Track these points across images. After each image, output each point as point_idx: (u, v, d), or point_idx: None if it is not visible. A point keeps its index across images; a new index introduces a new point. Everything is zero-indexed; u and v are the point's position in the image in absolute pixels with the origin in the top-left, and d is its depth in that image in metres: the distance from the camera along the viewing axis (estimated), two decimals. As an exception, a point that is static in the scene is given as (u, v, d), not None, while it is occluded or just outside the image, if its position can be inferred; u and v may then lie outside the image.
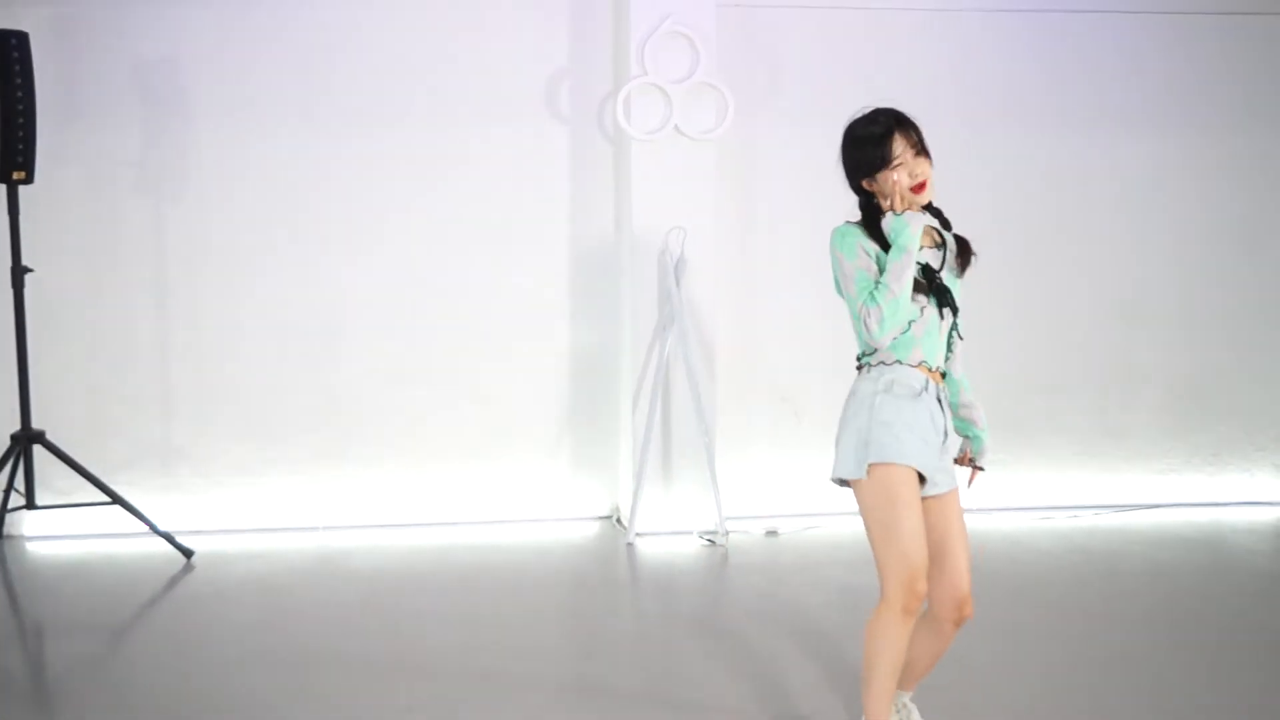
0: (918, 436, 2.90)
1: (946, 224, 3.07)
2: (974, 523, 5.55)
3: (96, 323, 5.23)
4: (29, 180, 4.74)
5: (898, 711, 3.19)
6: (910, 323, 2.90)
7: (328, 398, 5.37)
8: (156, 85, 5.15)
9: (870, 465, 2.89)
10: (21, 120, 4.65)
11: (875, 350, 2.93)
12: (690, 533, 5.24)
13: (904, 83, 5.46)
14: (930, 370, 2.94)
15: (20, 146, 4.67)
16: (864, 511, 2.97)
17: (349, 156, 5.27)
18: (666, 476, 5.28)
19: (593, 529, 5.46)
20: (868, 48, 5.44)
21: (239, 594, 4.53)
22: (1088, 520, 5.56)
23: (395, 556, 5.02)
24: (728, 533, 5.19)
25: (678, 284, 5.11)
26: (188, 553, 4.95)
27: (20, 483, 4.90)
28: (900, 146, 2.95)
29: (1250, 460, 5.85)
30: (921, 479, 2.92)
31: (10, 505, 4.94)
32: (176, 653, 3.95)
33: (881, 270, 2.87)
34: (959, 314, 2.98)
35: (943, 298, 2.93)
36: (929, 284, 2.93)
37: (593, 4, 5.31)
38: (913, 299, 2.88)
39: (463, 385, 5.43)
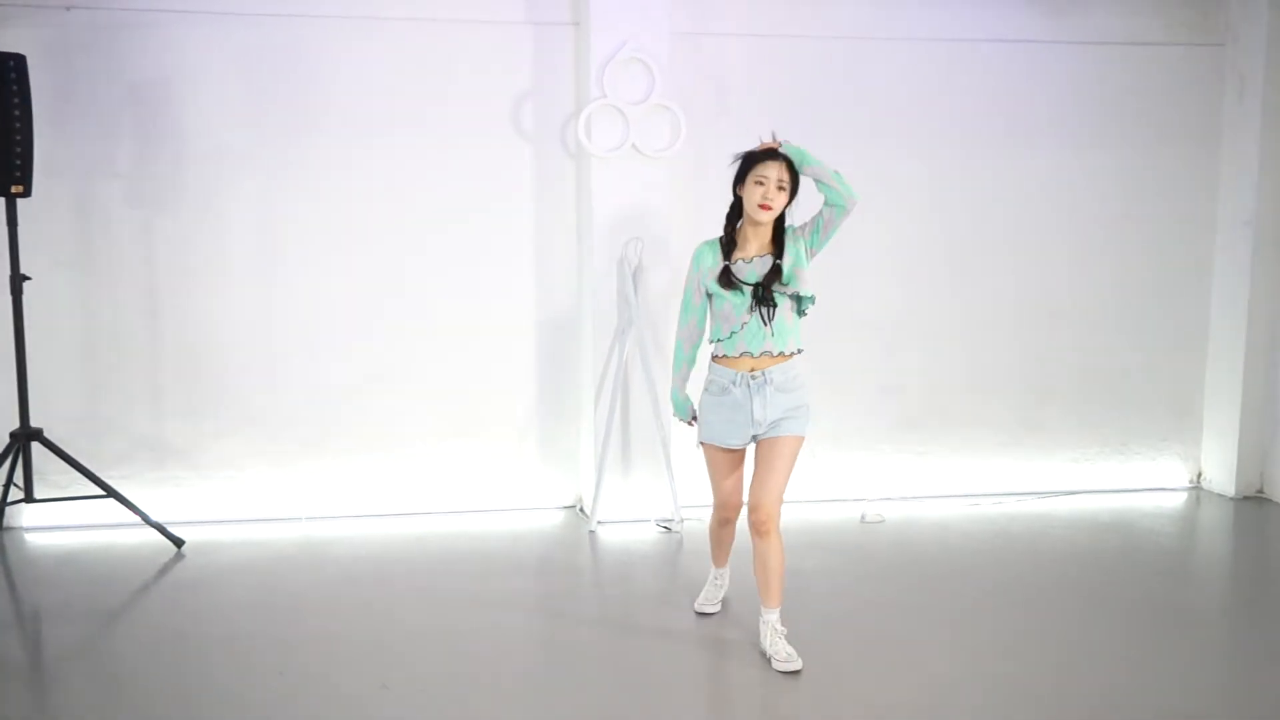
0: (725, 423, 3.66)
1: (781, 251, 3.60)
2: (908, 509, 5.67)
3: (91, 327, 5.17)
4: (27, 194, 4.67)
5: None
6: (733, 333, 3.60)
7: (309, 396, 5.34)
8: (145, 103, 5.09)
9: (699, 441, 3.77)
10: (19, 138, 4.58)
11: (715, 341, 3.68)
12: (648, 520, 5.26)
13: (839, 104, 5.54)
14: (755, 358, 3.59)
15: (18, 162, 4.60)
16: None
17: (327, 171, 5.23)
18: (626, 468, 5.30)
19: (558, 517, 5.46)
20: (806, 72, 5.48)
21: (227, 580, 4.49)
22: (1010, 506, 5.64)
23: (374, 544, 5.00)
24: (683, 520, 5.21)
25: (635, 290, 5.13)
26: (178, 542, 4.90)
27: (19, 477, 4.84)
28: (773, 173, 3.51)
29: (1156, 449, 5.96)
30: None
31: (10, 499, 4.88)
32: (168, 635, 3.93)
33: (708, 294, 3.66)
34: (796, 309, 3.61)
35: (766, 305, 3.56)
36: (757, 298, 3.56)
37: (556, 31, 5.31)
38: (743, 313, 3.57)
39: (436, 385, 5.41)
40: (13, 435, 4.79)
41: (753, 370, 3.59)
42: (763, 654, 3.66)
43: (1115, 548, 4.97)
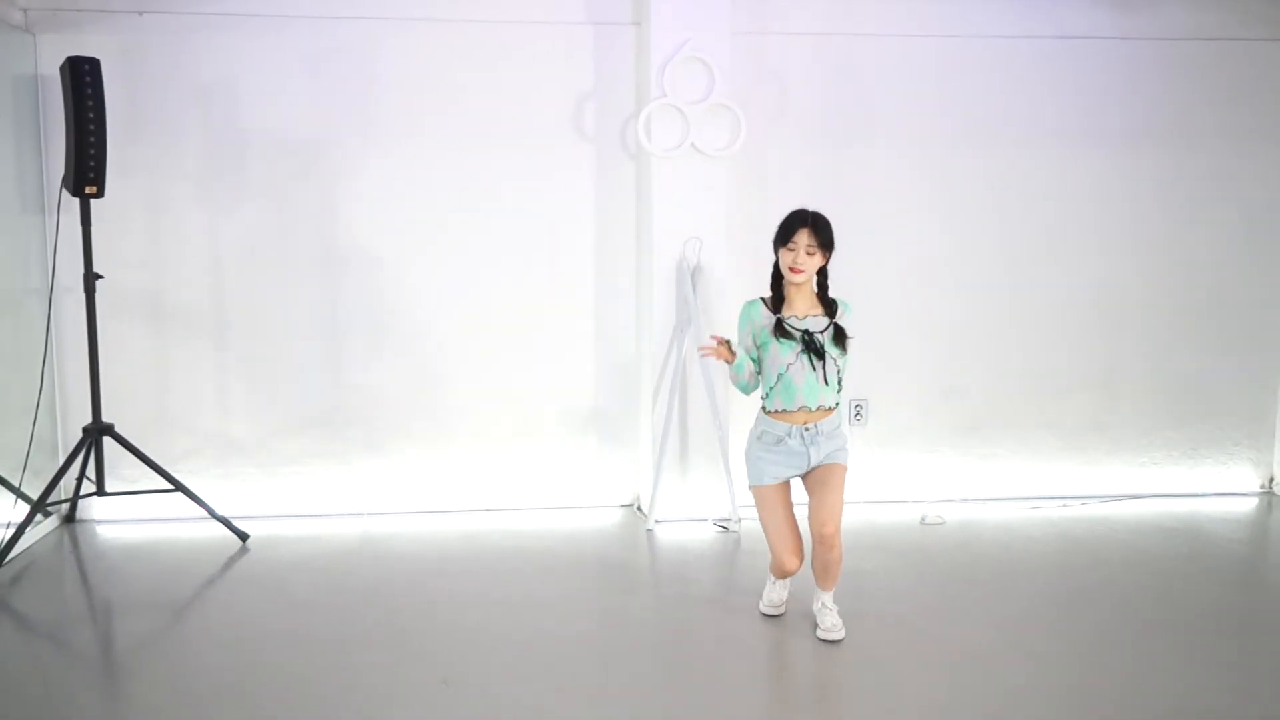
0: (778, 465, 3.86)
1: (833, 311, 3.86)
2: (968, 511, 5.59)
3: (160, 325, 5.26)
4: (100, 194, 4.76)
5: (818, 608, 3.92)
6: (779, 376, 3.79)
7: (371, 394, 5.39)
8: (214, 106, 5.17)
9: (750, 486, 3.93)
10: (93, 139, 4.67)
11: (766, 395, 3.87)
12: (705, 520, 5.24)
13: (898, 103, 5.47)
14: (810, 412, 3.80)
15: (92, 164, 4.69)
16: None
17: (390, 172, 5.28)
18: (683, 467, 5.28)
19: (615, 516, 5.45)
20: (867, 71, 5.42)
21: (290, 575, 4.54)
22: (1074, 510, 5.53)
23: (434, 541, 5.03)
24: (740, 520, 5.18)
25: (694, 289, 5.11)
26: (243, 536, 4.97)
27: (92, 471, 4.94)
28: (802, 239, 3.76)
29: (1226, 454, 5.81)
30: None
31: (82, 492, 4.99)
32: (232, 627, 3.98)
33: (755, 344, 3.85)
34: (838, 367, 3.83)
35: (814, 353, 3.77)
36: (806, 345, 3.77)
37: (616, 31, 5.31)
38: (788, 356, 3.78)
39: (496, 384, 5.44)
40: (85, 430, 4.88)
41: (806, 424, 3.81)
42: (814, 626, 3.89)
43: (1183, 553, 4.85)
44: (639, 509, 5.50)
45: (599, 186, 5.40)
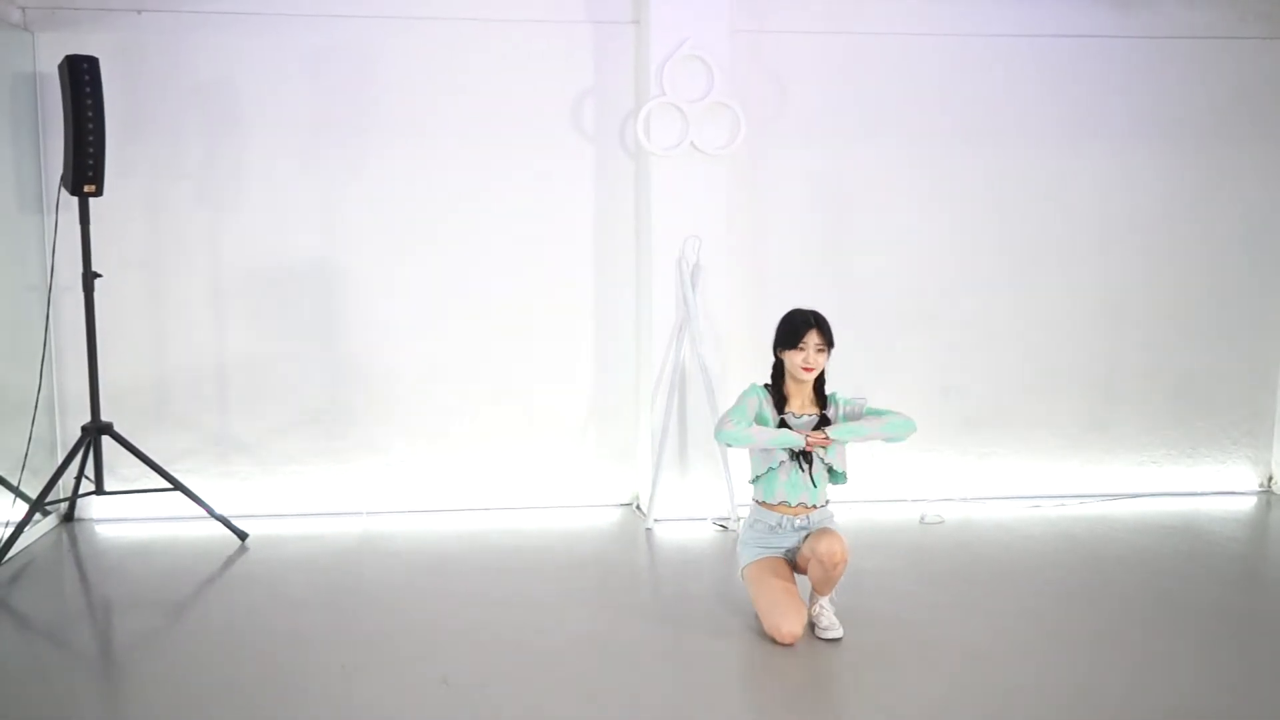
0: (770, 550, 3.97)
1: (824, 404, 3.94)
2: (968, 510, 5.59)
3: (159, 324, 5.25)
4: (99, 193, 4.75)
5: (817, 611, 3.90)
6: (769, 469, 3.90)
7: (371, 393, 5.38)
8: (213, 105, 5.16)
9: (741, 568, 3.99)
10: (92, 138, 4.66)
11: (754, 482, 3.98)
12: (704, 519, 5.24)
13: (898, 102, 5.47)
14: (791, 508, 3.92)
15: (91, 162, 4.68)
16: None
17: (392, 172, 5.27)
18: (682, 467, 5.28)
19: (615, 515, 5.45)
20: (866, 69, 5.42)
21: (289, 574, 4.54)
22: (1074, 508, 5.52)
23: (433, 540, 5.03)
24: (739, 519, 5.17)
25: (693, 288, 5.10)
26: (242, 535, 4.97)
27: (90, 470, 4.93)
28: (811, 339, 3.84)
29: (1225, 453, 5.81)
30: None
31: (81, 491, 4.98)
32: (231, 627, 3.98)
33: (758, 420, 3.88)
34: (825, 466, 3.90)
35: (803, 456, 3.86)
36: (798, 450, 3.85)
37: (616, 30, 5.30)
38: (781, 454, 3.86)
39: (496, 382, 5.44)
40: (84, 429, 4.87)
41: (796, 514, 3.93)
42: (812, 625, 3.88)
43: (1183, 552, 4.85)
44: (638, 508, 5.50)
45: (598, 185, 5.39)
